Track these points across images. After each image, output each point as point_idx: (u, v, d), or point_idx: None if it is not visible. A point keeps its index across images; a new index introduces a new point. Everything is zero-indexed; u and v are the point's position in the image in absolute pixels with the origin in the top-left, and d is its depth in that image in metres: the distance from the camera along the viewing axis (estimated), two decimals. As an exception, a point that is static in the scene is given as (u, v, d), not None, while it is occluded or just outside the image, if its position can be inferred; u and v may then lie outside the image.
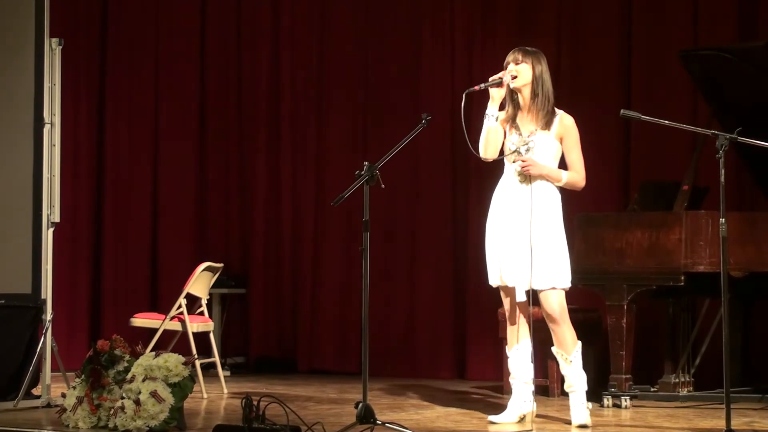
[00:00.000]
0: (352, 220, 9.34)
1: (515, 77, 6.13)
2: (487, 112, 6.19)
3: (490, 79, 6.14)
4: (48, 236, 7.22)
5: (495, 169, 9.04)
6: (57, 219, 7.26)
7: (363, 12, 9.74)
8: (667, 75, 8.41)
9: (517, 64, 6.15)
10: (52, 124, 7.26)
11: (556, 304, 6.07)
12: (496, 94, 6.16)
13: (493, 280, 6.26)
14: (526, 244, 6.05)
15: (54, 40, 7.27)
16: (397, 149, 5.98)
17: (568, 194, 6.26)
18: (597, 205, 8.08)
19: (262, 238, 9.97)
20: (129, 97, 10.18)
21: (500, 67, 6.23)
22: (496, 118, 6.18)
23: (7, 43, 7.29)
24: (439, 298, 9.33)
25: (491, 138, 6.20)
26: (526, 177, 6.12)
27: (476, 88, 6.12)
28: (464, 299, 9.21)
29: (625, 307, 7.05)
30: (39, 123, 7.23)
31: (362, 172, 5.79)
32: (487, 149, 6.23)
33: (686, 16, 8.52)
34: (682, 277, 6.92)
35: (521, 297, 6.10)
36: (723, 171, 5.47)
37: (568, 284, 6.13)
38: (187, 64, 10.20)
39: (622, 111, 5.92)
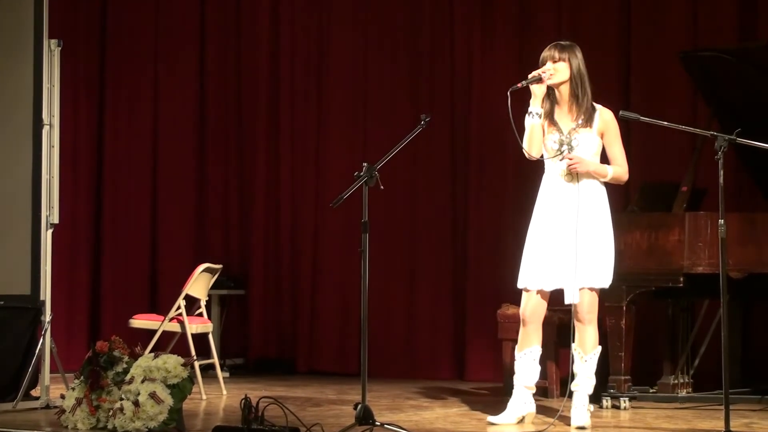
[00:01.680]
0: (351, 222, 9.32)
1: (552, 75, 6.07)
2: (530, 109, 6.11)
3: (530, 76, 6.07)
4: (47, 237, 7.20)
5: (495, 170, 9.12)
6: (56, 220, 7.24)
7: (363, 12, 9.73)
8: (666, 76, 8.41)
9: (554, 62, 6.08)
10: (51, 125, 7.24)
11: (588, 303, 6.06)
12: (538, 91, 6.08)
13: (526, 283, 6.14)
14: (573, 244, 6.01)
15: (53, 41, 7.25)
16: (395, 150, 5.97)
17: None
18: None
19: (262, 239, 9.96)
20: (128, 98, 10.17)
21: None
22: (540, 116, 6.11)
23: (6, 44, 7.28)
24: (438, 298, 9.32)
25: (536, 135, 6.11)
26: (573, 175, 6.07)
27: (519, 85, 6.03)
28: (463, 300, 9.20)
29: (625, 308, 7.05)
30: (38, 124, 7.21)
31: (361, 173, 5.78)
32: (533, 147, 6.13)
33: (686, 17, 8.51)
34: (682, 278, 6.93)
35: (571, 299, 6.05)
36: (722, 172, 5.46)
37: (605, 284, 6.11)
38: (186, 65, 10.19)
39: (621, 112, 5.91)
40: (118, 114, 10.14)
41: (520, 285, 6.17)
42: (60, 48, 7.28)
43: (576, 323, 6.13)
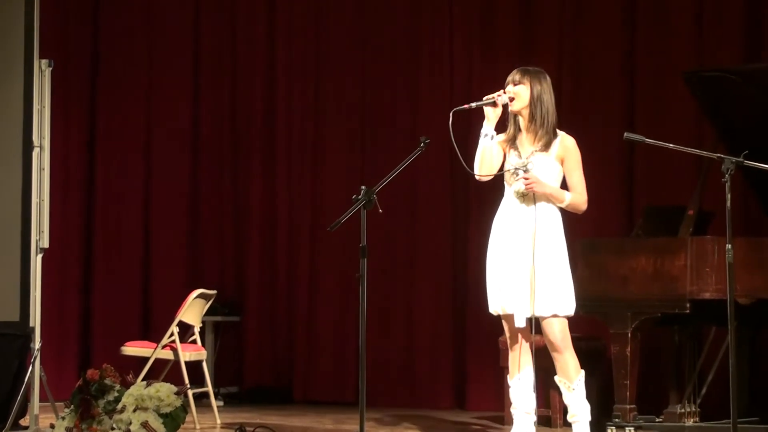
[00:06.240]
0: (349, 246, 9.23)
1: (513, 99, 6.03)
2: (482, 131, 6.10)
3: (484, 98, 6.05)
4: (37, 262, 7.15)
5: (495, 193, 8.97)
6: (46, 245, 7.20)
7: (360, 33, 9.72)
8: (671, 96, 8.40)
9: (515, 85, 6.05)
10: (41, 147, 7.20)
11: (558, 331, 5.95)
12: (492, 114, 6.06)
13: (494, 308, 6.13)
14: (529, 268, 5.92)
15: (44, 61, 7.23)
16: (394, 173, 5.94)
17: (570, 219, 6.16)
18: (600, 230, 8.04)
19: (257, 264, 9.90)
20: (120, 120, 10.11)
21: (499, 87, 6.13)
22: (491, 137, 6.07)
23: (-5, 64, 7.27)
24: (438, 325, 9.27)
25: (486, 157, 6.09)
26: (529, 197, 5.99)
27: (465, 106, 6.03)
28: (464, 327, 9.15)
29: (630, 335, 6.96)
30: (28, 146, 7.18)
31: (359, 197, 5.74)
32: (483, 167, 6.11)
33: (690, 35, 8.51)
34: (688, 305, 6.84)
35: (520, 323, 5.97)
36: (729, 195, 5.42)
37: (571, 312, 6.01)
38: (179, 87, 10.15)
39: (625, 134, 5.85)
40: (110, 136, 10.09)
41: (490, 310, 6.15)
42: (51, 68, 7.26)
43: (552, 354, 6.02)
